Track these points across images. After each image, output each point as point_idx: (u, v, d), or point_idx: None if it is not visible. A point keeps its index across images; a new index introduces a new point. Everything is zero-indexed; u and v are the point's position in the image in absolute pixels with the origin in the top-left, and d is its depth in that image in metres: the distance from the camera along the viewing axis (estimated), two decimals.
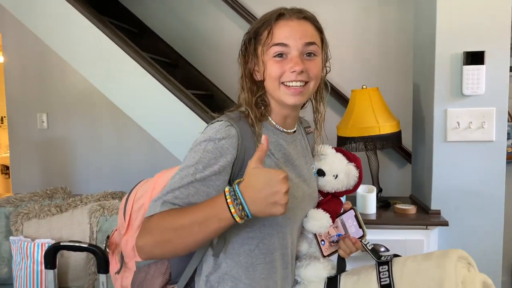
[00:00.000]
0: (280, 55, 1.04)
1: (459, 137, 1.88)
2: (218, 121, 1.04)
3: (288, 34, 1.04)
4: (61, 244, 1.68)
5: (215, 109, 2.87)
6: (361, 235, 1.12)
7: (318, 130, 1.17)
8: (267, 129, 1.10)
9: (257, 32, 1.08)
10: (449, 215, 1.90)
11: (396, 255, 1.12)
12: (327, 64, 1.15)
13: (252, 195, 0.86)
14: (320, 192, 1.22)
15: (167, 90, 2.16)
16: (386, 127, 2.00)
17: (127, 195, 1.29)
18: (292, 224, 1.11)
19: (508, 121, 2.63)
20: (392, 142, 2.06)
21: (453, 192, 1.91)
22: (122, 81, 2.21)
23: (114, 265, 1.34)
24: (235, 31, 3.20)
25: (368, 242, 1.13)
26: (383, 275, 1.05)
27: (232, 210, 0.86)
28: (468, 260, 1.05)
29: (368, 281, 1.07)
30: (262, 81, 1.09)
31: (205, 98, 3.09)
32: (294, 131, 1.17)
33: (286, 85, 1.05)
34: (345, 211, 1.16)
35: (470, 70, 1.82)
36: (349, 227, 1.14)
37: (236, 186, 0.88)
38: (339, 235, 1.15)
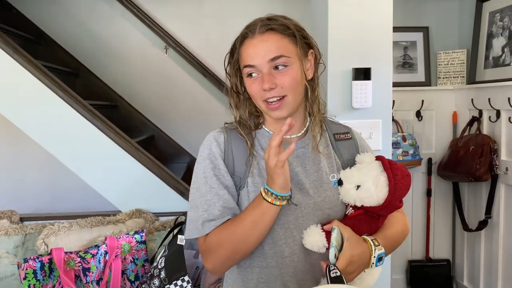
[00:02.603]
0: (252, 74, 1.07)
1: None
2: (215, 130, 1.16)
3: (252, 54, 1.05)
4: None
5: (120, 120, 2.84)
6: (329, 257, 1.01)
7: (315, 132, 1.14)
8: (262, 136, 1.15)
9: (232, 54, 1.12)
10: None
11: None
12: (321, 61, 1.15)
13: (273, 184, 1.01)
14: (353, 207, 1.12)
15: (62, 101, 2.05)
16: None
17: None
18: (281, 230, 1.08)
19: (398, 132, 2.87)
20: None
21: None
22: (12, 91, 2.06)
23: None
24: (139, 39, 3.15)
25: (334, 269, 0.97)
26: None
27: (270, 200, 1.01)
28: None
29: None
30: None
31: (109, 108, 2.99)
32: (299, 138, 1.15)
33: (267, 101, 1.07)
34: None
35: (359, 85, 1.97)
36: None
37: (266, 186, 1.02)
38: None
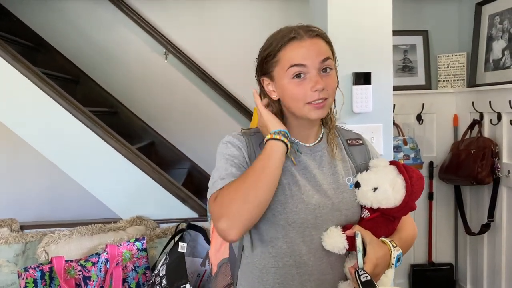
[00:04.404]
0: (299, 75, 1.08)
1: None
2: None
3: (304, 54, 1.07)
4: None
5: (120, 126, 2.83)
6: (358, 262, 1.03)
7: (332, 137, 1.19)
8: None
9: (271, 55, 1.11)
10: None
11: None
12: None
13: (267, 126, 1.11)
14: (369, 209, 1.14)
15: (62, 108, 2.04)
16: None
17: None
18: (299, 229, 1.09)
19: (399, 135, 2.87)
20: None
21: None
22: (11, 98, 2.06)
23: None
24: (139, 45, 3.15)
25: (364, 273, 1.00)
26: None
27: (277, 137, 1.07)
28: None
29: None
30: (278, 100, 1.15)
31: (109, 115, 2.99)
32: (315, 144, 1.18)
33: (311, 102, 1.09)
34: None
35: (359, 89, 1.96)
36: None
37: (271, 134, 1.09)
38: None
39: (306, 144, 1.17)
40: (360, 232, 1.07)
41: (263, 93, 1.18)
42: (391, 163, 1.16)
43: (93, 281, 1.72)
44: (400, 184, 1.09)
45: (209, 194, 1.09)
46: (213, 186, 1.09)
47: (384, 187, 1.09)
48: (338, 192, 1.14)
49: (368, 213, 1.14)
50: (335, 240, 1.08)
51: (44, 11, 3.07)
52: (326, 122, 1.21)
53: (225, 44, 3.16)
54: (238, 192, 1.02)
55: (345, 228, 1.10)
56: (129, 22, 3.06)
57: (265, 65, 1.13)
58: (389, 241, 1.10)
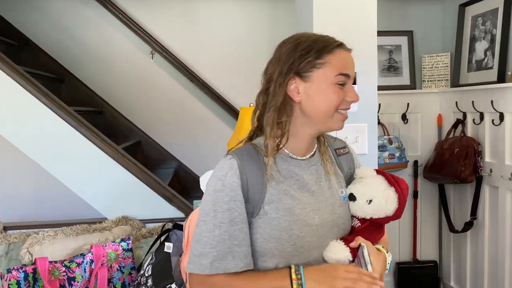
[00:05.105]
0: (343, 84, 1.08)
1: None
2: (224, 157, 1.10)
3: (349, 65, 1.10)
4: None
5: (105, 126, 2.81)
6: None
7: (324, 150, 1.18)
8: (277, 157, 1.10)
9: (316, 56, 1.07)
10: None
11: None
12: None
13: (313, 276, 0.99)
14: (360, 219, 1.15)
15: (46, 107, 2.02)
16: None
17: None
18: (305, 253, 1.08)
19: (385, 135, 2.90)
20: None
21: None
22: None
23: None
24: (125, 44, 3.13)
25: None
26: None
27: (293, 278, 0.99)
28: None
29: None
30: (294, 102, 1.10)
31: (94, 114, 2.97)
32: (311, 156, 1.15)
33: (340, 111, 1.09)
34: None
35: None
36: (362, 264, 1.03)
37: (301, 267, 1.01)
38: None
39: (303, 158, 1.13)
40: (365, 244, 1.06)
41: (263, 93, 1.10)
42: (377, 172, 1.18)
43: (78, 282, 1.70)
44: (393, 196, 1.12)
45: (203, 270, 1.03)
46: (211, 267, 1.02)
47: (378, 200, 1.11)
48: (336, 207, 1.14)
49: (359, 222, 1.15)
50: (340, 255, 1.07)
51: (28, 10, 3.03)
52: (318, 136, 1.19)
53: (211, 43, 3.15)
54: None
55: (344, 240, 1.10)
56: (115, 20, 3.04)
57: (302, 63, 1.06)
58: (382, 247, 1.12)
